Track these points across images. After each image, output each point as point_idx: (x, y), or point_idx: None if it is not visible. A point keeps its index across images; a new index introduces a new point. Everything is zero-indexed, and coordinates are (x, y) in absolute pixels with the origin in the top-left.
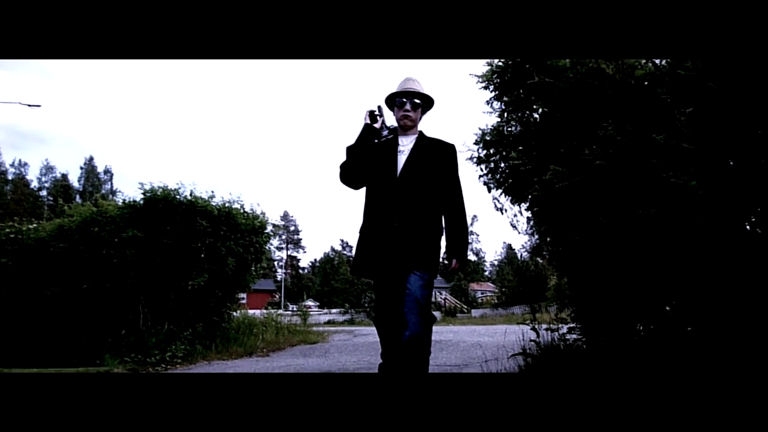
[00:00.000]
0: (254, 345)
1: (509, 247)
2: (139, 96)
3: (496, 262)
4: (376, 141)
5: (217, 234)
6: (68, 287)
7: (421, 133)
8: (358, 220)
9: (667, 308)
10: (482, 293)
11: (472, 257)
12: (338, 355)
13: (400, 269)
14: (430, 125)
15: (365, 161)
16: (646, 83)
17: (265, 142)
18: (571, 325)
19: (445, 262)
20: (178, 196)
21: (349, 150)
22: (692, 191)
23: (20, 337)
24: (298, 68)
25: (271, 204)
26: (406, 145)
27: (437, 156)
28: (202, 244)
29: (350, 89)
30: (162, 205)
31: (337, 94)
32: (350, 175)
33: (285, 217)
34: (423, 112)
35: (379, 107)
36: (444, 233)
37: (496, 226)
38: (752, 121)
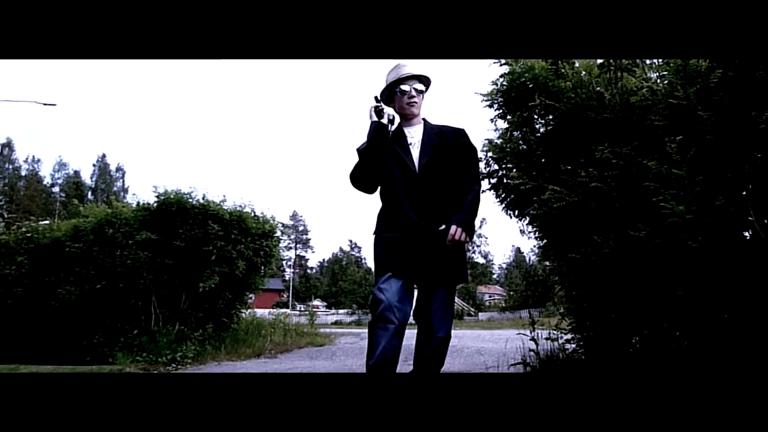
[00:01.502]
0: (262, 346)
1: (518, 251)
2: (148, 94)
3: (504, 265)
4: (393, 135)
5: (228, 237)
6: (83, 287)
7: (425, 120)
8: (368, 221)
9: (665, 325)
10: (490, 296)
11: (480, 260)
12: (345, 358)
13: (436, 281)
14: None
15: (379, 162)
16: (640, 110)
17: (274, 141)
18: (569, 337)
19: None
20: (190, 200)
21: (363, 153)
22: (680, 216)
23: (35, 336)
24: (305, 69)
25: (280, 204)
26: (414, 136)
27: (451, 143)
28: (213, 247)
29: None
30: (175, 208)
31: (344, 94)
32: (366, 179)
33: (294, 216)
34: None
35: (377, 98)
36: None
37: (505, 229)
38: (739, 150)
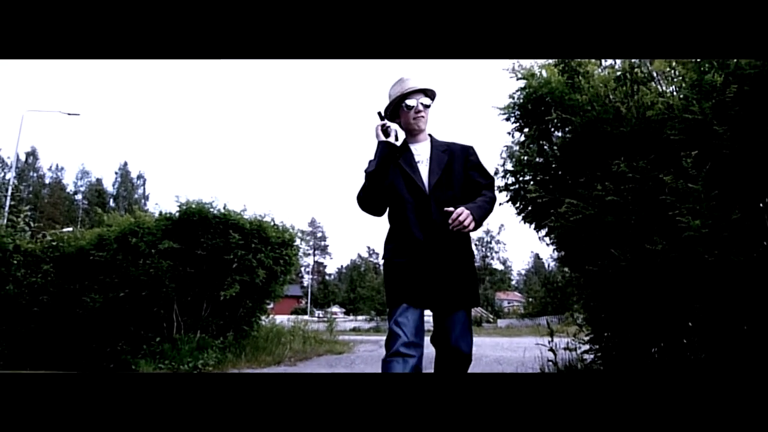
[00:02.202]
0: (282, 354)
1: (537, 257)
2: (169, 103)
3: (523, 272)
4: (398, 158)
5: (249, 246)
6: (107, 295)
7: (431, 136)
8: (386, 228)
9: (683, 337)
10: (509, 303)
11: (498, 266)
12: (364, 366)
13: (451, 306)
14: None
15: (387, 184)
16: (656, 123)
17: (294, 148)
18: (587, 348)
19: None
20: (212, 210)
21: (371, 176)
22: (696, 230)
23: (61, 343)
24: (326, 74)
25: (298, 210)
26: (421, 153)
27: (461, 161)
28: (234, 256)
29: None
30: (197, 218)
31: (363, 100)
32: (375, 202)
33: (312, 223)
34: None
35: (380, 114)
36: None
37: (524, 235)
38: (755, 164)
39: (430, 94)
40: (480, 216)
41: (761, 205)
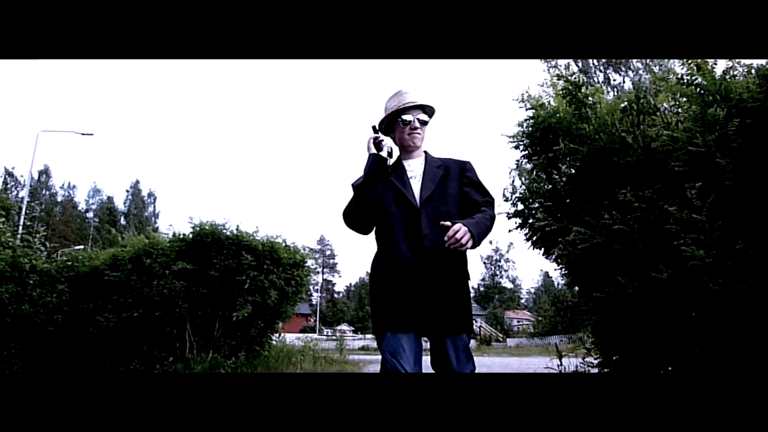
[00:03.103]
0: None
1: (546, 275)
2: (179, 122)
3: (532, 290)
4: (389, 172)
5: (261, 267)
6: (120, 315)
7: (426, 153)
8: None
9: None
10: (518, 321)
11: (507, 284)
12: None
13: (440, 331)
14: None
15: (375, 200)
16: (661, 154)
17: (302, 165)
18: (596, 371)
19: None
20: (224, 231)
21: (359, 189)
22: (701, 259)
23: (74, 362)
24: (334, 92)
25: (307, 228)
26: (414, 169)
27: (454, 177)
28: (247, 277)
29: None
30: (210, 239)
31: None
32: (361, 218)
33: (321, 241)
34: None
35: (375, 128)
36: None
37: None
38: (758, 195)
39: (428, 110)
40: (479, 233)
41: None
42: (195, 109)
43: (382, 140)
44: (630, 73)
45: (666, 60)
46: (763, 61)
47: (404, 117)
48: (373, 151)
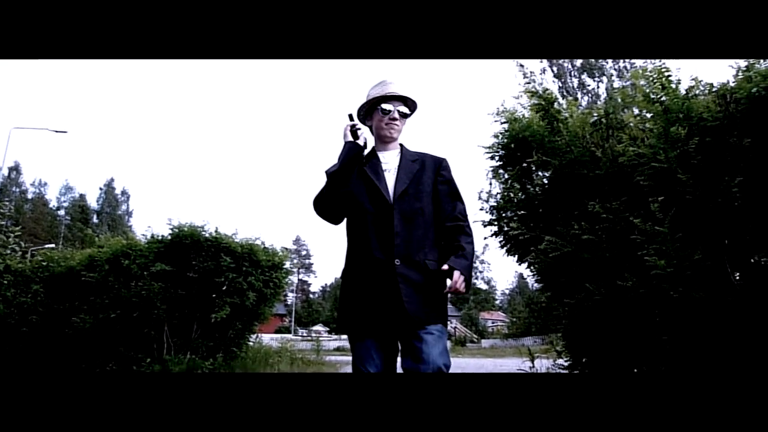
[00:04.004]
0: None
1: (521, 276)
2: (153, 119)
3: (507, 291)
4: (363, 161)
5: (240, 269)
6: (97, 316)
7: (402, 146)
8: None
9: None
10: (493, 323)
11: (482, 285)
12: None
13: (411, 326)
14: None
15: (347, 189)
16: (628, 168)
17: (276, 165)
18: (566, 373)
19: (444, 267)
20: (203, 233)
21: (332, 176)
22: (663, 268)
23: (50, 363)
24: (307, 88)
25: (282, 228)
26: (389, 161)
27: (430, 172)
28: (225, 279)
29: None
30: (189, 241)
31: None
32: (332, 207)
33: (297, 241)
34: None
35: (351, 116)
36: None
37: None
38: (715, 209)
39: (410, 104)
40: (469, 274)
41: (721, 247)
42: (169, 107)
43: (359, 128)
44: (604, 78)
45: (636, 75)
46: (722, 80)
47: (384, 106)
48: (350, 138)
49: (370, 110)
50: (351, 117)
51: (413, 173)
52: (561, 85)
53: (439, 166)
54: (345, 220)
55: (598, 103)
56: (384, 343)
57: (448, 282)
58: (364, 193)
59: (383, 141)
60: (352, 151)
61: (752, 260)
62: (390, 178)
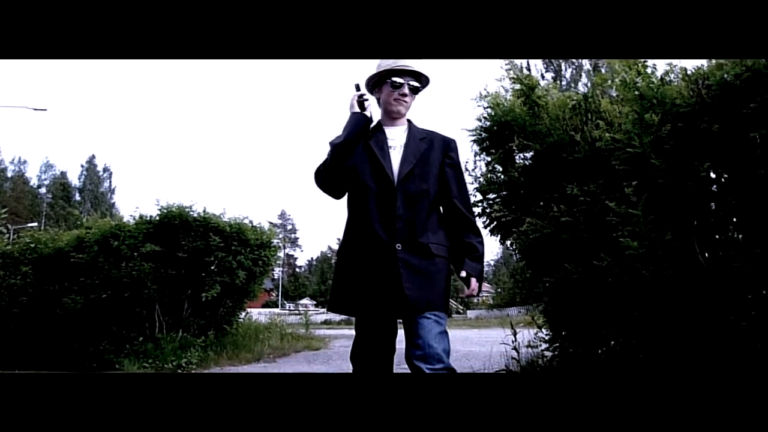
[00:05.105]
0: (261, 351)
1: (506, 247)
2: (133, 95)
3: (492, 262)
4: (369, 134)
5: (229, 248)
6: (88, 296)
7: (410, 122)
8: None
9: (621, 340)
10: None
11: None
12: (341, 362)
13: (410, 312)
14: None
15: (351, 163)
16: (605, 152)
17: (261, 139)
18: (546, 346)
19: (462, 274)
20: (192, 213)
21: (337, 148)
22: (635, 249)
23: (41, 343)
24: (293, 68)
25: (268, 202)
26: (395, 139)
27: (437, 153)
28: (215, 258)
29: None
30: (177, 221)
31: (333, 91)
32: (334, 179)
33: (282, 215)
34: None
35: (358, 86)
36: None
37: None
38: (685, 193)
39: (423, 79)
40: (482, 274)
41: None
42: (149, 83)
43: (367, 99)
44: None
45: (613, 61)
46: (697, 64)
47: (395, 79)
48: (357, 110)
49: (380, 81)
50: (358, 87)
51: (420, 152)
52: (541, 69)
53: (448, 146)
54: (346, 195)
55: (582, 75)
56: (382, 324)
57: (465, 290)
58: (368, 171)
59: (390, 117)
60: (359, 122)
61: (717, 237)
62: (395, 156)
